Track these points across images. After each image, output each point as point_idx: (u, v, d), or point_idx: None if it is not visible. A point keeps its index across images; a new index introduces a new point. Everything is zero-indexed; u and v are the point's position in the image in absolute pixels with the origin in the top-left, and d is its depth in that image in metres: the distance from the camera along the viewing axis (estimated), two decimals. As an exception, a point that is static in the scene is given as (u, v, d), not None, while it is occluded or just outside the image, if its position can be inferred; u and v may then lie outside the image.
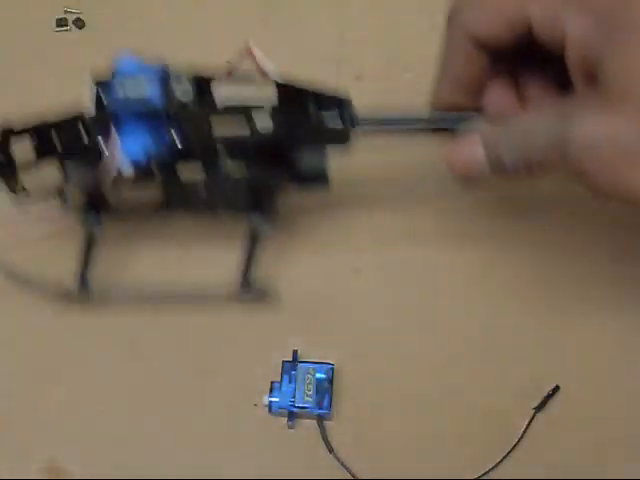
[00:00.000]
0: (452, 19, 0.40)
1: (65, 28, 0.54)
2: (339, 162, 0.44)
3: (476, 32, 0.39)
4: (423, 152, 0.45)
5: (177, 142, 0.42)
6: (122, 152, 0.41)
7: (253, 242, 0.46)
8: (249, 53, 0.43)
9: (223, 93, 0.42)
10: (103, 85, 0.41)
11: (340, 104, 0.43)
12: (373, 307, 0.47)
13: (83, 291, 0.46)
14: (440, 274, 0.48)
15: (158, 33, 0.54)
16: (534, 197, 0.49)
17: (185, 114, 0.41)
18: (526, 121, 0.37)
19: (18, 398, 0.46)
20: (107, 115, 0.41)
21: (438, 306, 0.47)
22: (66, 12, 0.54)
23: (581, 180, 0.35)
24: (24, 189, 0.43)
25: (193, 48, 0.53)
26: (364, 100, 0.48)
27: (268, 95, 0.42)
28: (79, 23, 0.54)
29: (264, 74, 0.42)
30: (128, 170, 0.41)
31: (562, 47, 0.37)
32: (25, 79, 0.53)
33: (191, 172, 0.43)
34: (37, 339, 0.47)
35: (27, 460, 0.45)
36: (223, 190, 0.45)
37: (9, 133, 0.42)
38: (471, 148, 0.38)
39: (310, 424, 0.45)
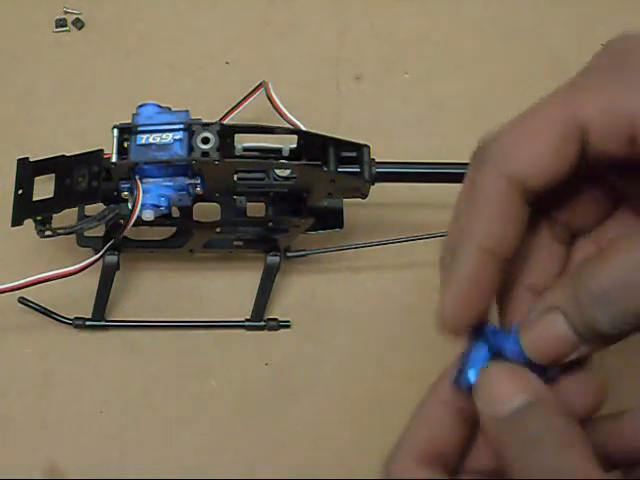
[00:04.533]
0: (484, 160, 0.29)
1: (64, 29, 0.54)
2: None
3: (520, 171, 0.28)
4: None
5: (199, 189, 0.42)
6: (144, 198, 0.42)
7: (268, 277, 0.46)
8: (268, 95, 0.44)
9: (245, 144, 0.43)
10: (126, 132, 0.41)
11: (361, 154, 0.43)
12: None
13: (98, 321, 0.47)
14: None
15: (157, 33, 0.54)
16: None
17: (208, 165, 0.41)
18: (634, 259, 0.28)
19: (18, 398, 0.46)
20: (130, 164, 0.41)
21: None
22: (66, 12, 0.54)
23: None
24: (49, 224, 0.43)
25: (192, 48, 0.53)
26: (364, 100, 0.48)
27: (288, 142, 0.43)
28: (78, 24, 0.54)
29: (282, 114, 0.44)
30: (149, 215, 0.42)
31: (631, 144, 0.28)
32: (25, 79, 0.52)
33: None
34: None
35: (27, 460, 0.45)
36: (239, 230, 0.45)
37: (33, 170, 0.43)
38: (546, 327, 0.30)
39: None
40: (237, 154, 0.43)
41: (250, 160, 0.43)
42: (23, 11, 0.54)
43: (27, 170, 0.44)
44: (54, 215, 0.43)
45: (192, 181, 0.42)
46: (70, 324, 0.46)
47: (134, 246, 0.46)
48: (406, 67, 0.52)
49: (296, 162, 0.42)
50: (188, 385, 0.46)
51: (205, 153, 0.41)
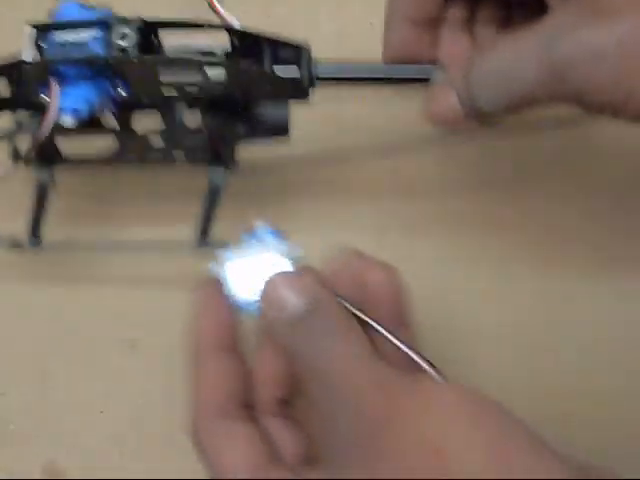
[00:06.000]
0: None
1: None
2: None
3: None
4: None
5: (121, 91, 0.41)
6: (62, 101, 0.40)
7: (212, 195, 0.44)
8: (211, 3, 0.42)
9: (173, 42, 0.41)
10: (42, 30, 0.40)
11: (299, 55, 0.41)
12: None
13: (34, 242, 0.45)
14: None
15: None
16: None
17: (127, 62, 0.39)
18: (506, 56, 0.36)
19: (18, 398, 0.46)
20: (45, 62, 0.40)
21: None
22: None
23: (580, 101, 0.35)
24: None
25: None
26: (364, 100, 0.48)
27: (222, 43, 0.41)
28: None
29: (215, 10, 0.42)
30: (69, 120, 0.40)
31: None
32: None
33: (149, 123, 0.42)
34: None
35: (27, 460, 0.45)
36: (181, 141, 0.43)
37: None
38: (445, 98, 0.37)
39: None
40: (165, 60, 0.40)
41: (173, 58, 0.40)
42: (23, 12, 0.54)
43: None
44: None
45: (114, 82, 0.40)
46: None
47: (68, 162, 0.44)
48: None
49: (226, 61, 0.40)
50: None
51: (123, 50, 0.39)
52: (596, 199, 0.48)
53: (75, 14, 0.41)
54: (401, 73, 0.41)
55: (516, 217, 0.48)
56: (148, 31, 0.40)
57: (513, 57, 0.35)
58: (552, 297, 0.47)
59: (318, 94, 0.42)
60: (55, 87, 0.40)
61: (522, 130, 0.46)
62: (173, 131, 0.43)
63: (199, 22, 0.41)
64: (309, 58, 0.41)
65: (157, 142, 0.43)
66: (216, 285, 0.36)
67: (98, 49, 0.40)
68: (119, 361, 0.46)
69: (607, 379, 0.45)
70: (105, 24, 0.40)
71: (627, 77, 0.34)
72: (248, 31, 0.41)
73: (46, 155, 0.43)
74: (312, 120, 0.46)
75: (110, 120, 0.42)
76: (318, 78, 0.42)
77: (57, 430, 0.45)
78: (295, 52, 0.41)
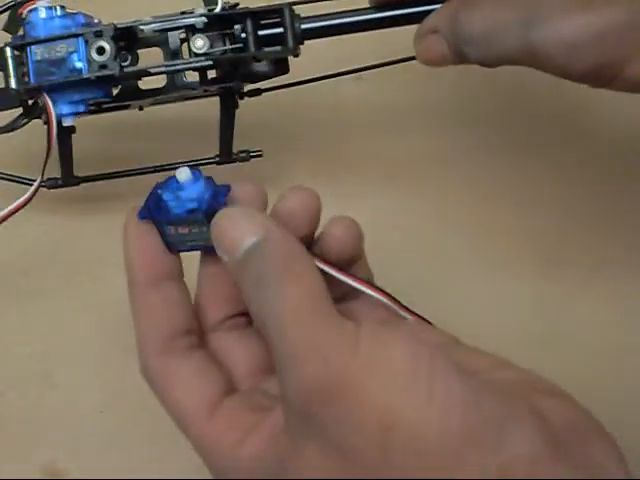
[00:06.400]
0: None
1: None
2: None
3: None
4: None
5: (111, 93, 0.41)
6: (57, 110, 0.40)
7: (227, 114, 0.44)
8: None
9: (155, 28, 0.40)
10: (19, 49, 0.39)
11: (282, 16, 0.40)
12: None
13: (71, 180, 0.45)
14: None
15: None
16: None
17: (109, 77, 0.39)
18: (488, 20, 0.37)
19: (18, 398, 0.46)
20: (31, 87, 0.39)
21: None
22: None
23: (559, 75, 0.36)
24: None
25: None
26: (364, 101, 0.48)
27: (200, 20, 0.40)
28: (78, 24, 0.53)
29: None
30: (69, 121, 0.40)
31: None
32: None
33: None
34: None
35: (27, 460, 0.45)
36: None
37: None
38: (437, 45, 0.38)
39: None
40: (147, 35, 0.40)
41: (155, 69, 0.40)
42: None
43: None
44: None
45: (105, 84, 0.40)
46: (44, 186, 0.44)
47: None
48: (406, 67, 0.52)
49: (209, 54, 0.40)
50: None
51: (103, 66, 0.39)
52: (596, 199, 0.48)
53: (46, 22, 0.40)
54: (390, 15, 0.41)
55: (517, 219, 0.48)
56: (124, 34, 0.40)
57: (495, 23, 0.36)
58: (552, 299, 0.47)
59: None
60: (48, 103, 0.40)
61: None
62: (176, 88, 0.43)
63: (175, 16, 0.40)
64: (292, 16, 0.40)
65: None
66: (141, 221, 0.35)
67: (77, 63, 0.39)
68: (119, 361, 0.46)
69: (608, 382, 0.45)
70: (79, 36, 0.39)
71: (607, 68, 0.35)
72: (227, 13, 0.40)
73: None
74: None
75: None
76: (304, 32, 0.41)
77: (57, 430, 0.45)
78: (277, 14, 0.40)
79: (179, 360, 0.34)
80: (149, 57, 0.42)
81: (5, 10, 0.41)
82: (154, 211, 0.35)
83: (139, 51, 0.42)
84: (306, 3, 0.42)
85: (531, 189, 0.49)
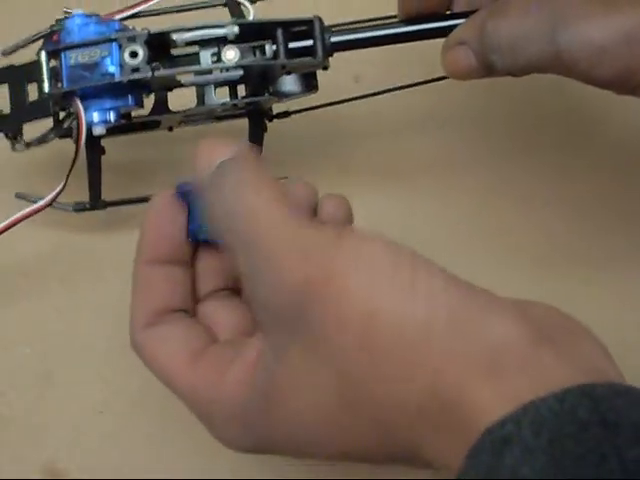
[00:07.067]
0: None
1: (64, 29, 0.53)
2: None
3: None
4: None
5: (142, 102, 0.41)
6: (88, 116, 0.41)
7: (255, 139, 0.44)
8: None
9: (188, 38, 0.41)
10: (54, 55, 0.40)
11: (311, 28, 0.41)
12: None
13: (96, 200, 0.45)
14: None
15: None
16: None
17: (142, 81, 0.40)
18: (514, 27, 0.37)
19: (18, 398, 0.46)
20: (64, 92, 0.40)
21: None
22: (65, 13, 0.54)
23: (585, 82, 0.36)
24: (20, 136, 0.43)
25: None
26: (363, 101, 0.48)
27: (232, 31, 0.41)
28: (78, 24, 0.53)
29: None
30: (100, 129, 0.41)
31: None
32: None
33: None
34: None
35: (27, 460, 0.45)
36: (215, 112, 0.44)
37: None
38: (464, 56, 0.39)
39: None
40: (180, 45, 0.41)
41: (185, 68, 0.41)
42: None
43: None
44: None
45: (136, 92, 0.41)
46: (69, 210, 0.45)
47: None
48: (406, 68, 0.52)
49: (239, 63, 0.40)
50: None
51: (135, 69, 0.40)
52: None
53: (82, 28, 0.41)
54: (418, 29, 0.42)
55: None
56: (157, 39, 0.40)
57: (521, 31, 0.36)
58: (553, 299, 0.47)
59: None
60: (79, 108, 0.40)
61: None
62: (204, 111, 0.43)
63: (208, 24, 0.41)
64: (321, 29, 0.41)
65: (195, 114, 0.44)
66: (173, 199, 0.36)
67: (110, 67, 0.40)
68: (119, 361, 0.46)
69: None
70: (113, 41, 0.40)
71: (634, 74, 0.35)
72: (258, 21, 0.41)
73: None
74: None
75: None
76: (333, 45, 0.42)
77: (57, 430, 0.45)
78: (307, 26, 0.41)
79: (163, 329, 0.35)
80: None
81: (38, 39, 0.42)
82: (193, 198, 0.35)
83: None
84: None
85: (534, 190, 0.49)
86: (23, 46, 0.43)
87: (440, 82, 0.44)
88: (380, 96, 0.46)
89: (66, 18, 0.41)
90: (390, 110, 0.50)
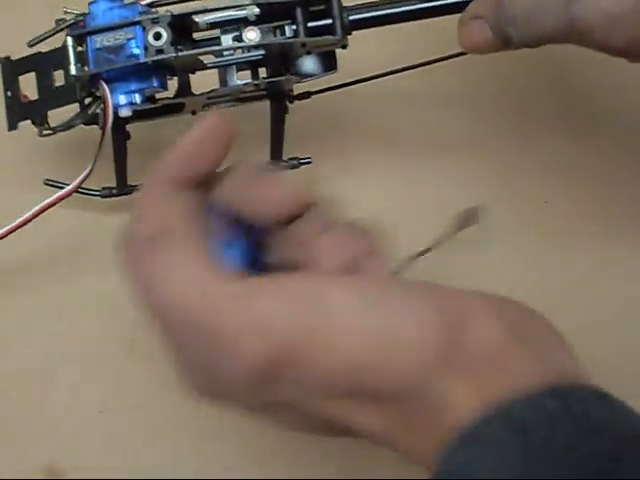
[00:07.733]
0: None
1: (64, 29, 0.53)
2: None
3: None
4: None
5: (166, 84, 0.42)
6: (114, 99, 0.41)
7: (277, 120, 0.45)
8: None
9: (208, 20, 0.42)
10: (79, 38, 0.42)
11: (330, 6, 0.42)
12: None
13: (123, 186, 0.46)
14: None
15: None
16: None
17: (165, 61, 0.41)
18: (528, 1, 0.38)
19: (18, 398, 0.46)
20: (90, 75, 0.41)
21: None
22: (66, 13, 0.54)
23: (599, 50, 0.38)
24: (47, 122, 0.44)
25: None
26: (364, 101, 0.48)
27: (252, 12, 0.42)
28: (78, 24, 0.53)
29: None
30: (125, 111, 0.42)
31: None
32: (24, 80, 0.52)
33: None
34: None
35: (27, 460, 0.45)
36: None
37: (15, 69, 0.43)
38: (480, 30, 0.39)
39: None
40: (202, 28, 0.42)
41: (208, 49, 0.42)
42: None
43: (10, 70, 0.44)
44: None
45: (160, 74, 0.42)
46: (98, 195, 0.46)
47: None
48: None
49: (259, 43, 0.41)
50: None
51: (159, 50, 0.41)
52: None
53: (106, 12, 0.42)
54: (434, 5, 0.43)
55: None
56: (180, 21, 0.41)
57: (536, 2, 0.38)
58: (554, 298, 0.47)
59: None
60: (105, 91, 0.41)
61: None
62: (225, 92, 0.44)
63: (229, 5, 0.42)
64: (340, 7, 0.42)
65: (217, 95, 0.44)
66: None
67: (135, 49, 0.41)
68: (119, 361, 0.46)
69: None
70: (137, 24, 0.41)
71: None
72: (277, 1, 0.42)
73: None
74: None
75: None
76: (352, 23, 0.43)
77: (57, 430, 0.45)
78: (326, 5, 0.42)
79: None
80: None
81: (60, 30, 0.43)
82: None
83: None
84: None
85: (535, 188, 0.49)
86: (48, 37, 0.44)
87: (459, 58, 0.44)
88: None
89: (91, 4, 0.42)
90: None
